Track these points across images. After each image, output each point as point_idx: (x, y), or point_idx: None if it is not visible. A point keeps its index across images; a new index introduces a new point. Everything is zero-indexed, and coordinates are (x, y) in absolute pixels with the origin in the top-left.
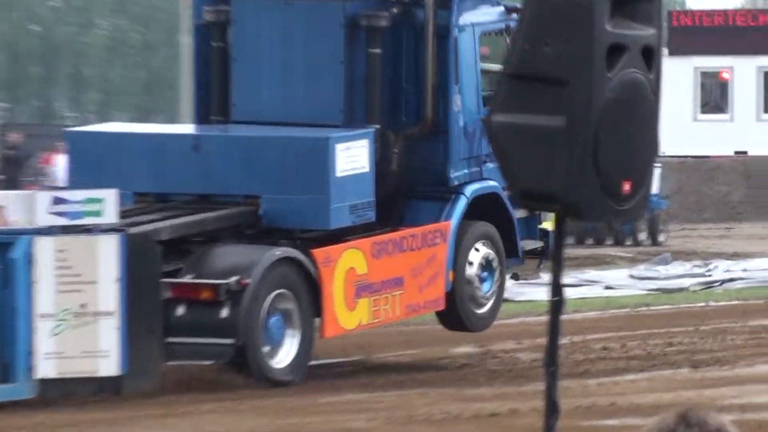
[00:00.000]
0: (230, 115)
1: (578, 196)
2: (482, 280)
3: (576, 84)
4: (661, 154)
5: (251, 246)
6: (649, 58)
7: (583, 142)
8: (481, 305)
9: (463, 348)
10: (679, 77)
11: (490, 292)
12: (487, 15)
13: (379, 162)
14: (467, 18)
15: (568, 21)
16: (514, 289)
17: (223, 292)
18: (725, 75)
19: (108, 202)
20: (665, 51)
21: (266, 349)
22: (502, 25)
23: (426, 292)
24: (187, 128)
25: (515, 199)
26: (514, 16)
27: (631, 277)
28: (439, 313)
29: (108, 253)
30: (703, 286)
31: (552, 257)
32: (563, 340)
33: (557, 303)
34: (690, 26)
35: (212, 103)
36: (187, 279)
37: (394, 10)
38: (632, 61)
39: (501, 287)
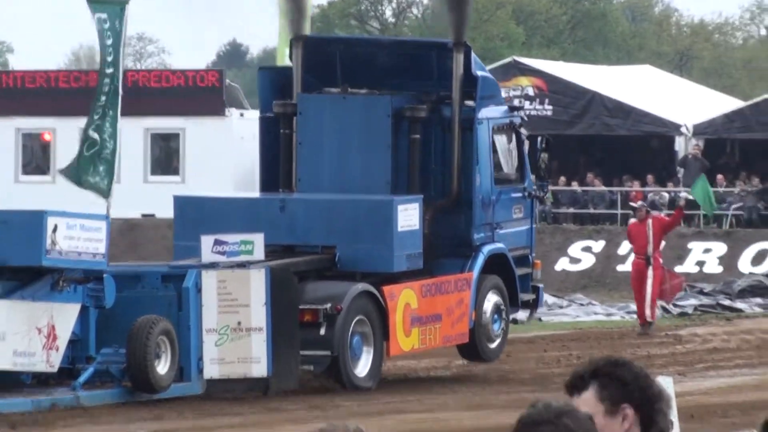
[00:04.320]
0: (295, 188)
1: None
2: (494, 321)
3: None
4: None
5: (337, 282)
6: None
7: None
8: (493, 340)
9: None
10: (1, 137)
11: (499, 331)
12: (498, 111)
13: None
14: (484, 113)
15: None
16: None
17: (321, 315)
18: (47, 137)
19: (257, 244)
20: None
21: (351, 361)
22: (508, 120)
23: (456, 327)
24: (273, 195)
25: None
26: (516, 113)
27: None
28: (459, 346)
29: (258, 282)
30: None
31: None
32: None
33: None
34: (12, 87)
35: (280, 178)
36: None
37: (426, 105)
38: None
39: (507, 327)
